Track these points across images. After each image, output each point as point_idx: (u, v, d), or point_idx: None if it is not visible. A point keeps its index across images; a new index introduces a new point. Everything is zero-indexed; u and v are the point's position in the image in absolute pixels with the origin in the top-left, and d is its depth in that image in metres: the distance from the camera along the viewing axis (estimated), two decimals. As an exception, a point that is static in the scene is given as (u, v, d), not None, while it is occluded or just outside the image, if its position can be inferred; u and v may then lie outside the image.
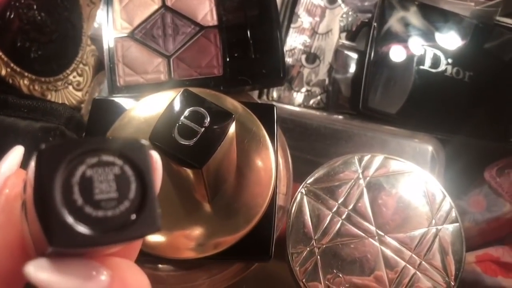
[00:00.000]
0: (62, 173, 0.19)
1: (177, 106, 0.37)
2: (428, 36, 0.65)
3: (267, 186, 0.47)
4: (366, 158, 0.53)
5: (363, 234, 0.49)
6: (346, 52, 0.69)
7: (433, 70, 0.64)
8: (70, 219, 0.19)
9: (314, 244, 0.49)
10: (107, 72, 0.54)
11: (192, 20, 0.56)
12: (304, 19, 0.71)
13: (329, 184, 0.52)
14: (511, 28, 0.67)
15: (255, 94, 0.66)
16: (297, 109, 0.67)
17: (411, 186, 0.51)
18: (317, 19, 0.71)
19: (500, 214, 0.60)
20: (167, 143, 0.36)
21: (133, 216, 0.20)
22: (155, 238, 0.45)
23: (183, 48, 0.55)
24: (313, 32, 0.71)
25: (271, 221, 0.47)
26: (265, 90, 0.68)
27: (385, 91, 0.63)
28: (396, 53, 0.64)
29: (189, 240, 0.45)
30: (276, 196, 0.48)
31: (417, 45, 0.65)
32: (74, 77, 0.66)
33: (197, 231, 0.45)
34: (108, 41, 0.55)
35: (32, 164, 0.20)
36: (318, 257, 0.49)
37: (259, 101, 0.63)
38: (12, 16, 0.56)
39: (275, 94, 0.68)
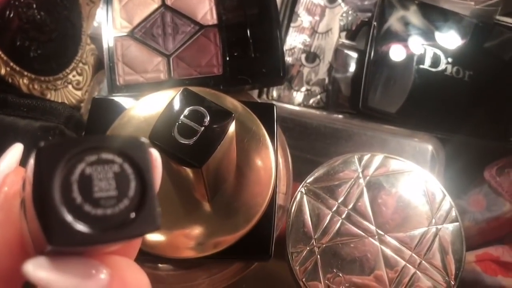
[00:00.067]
0: (61, 171, 0.19)
1: (176, 105, 0.37)
2: (428, 35, 0.65)
3: (267, 185, 0.47)
4: (366, 157, 0.53)
5: (363, 234, 0.49)
6: (346, 51, 0.68)
7: (433, 69, 0.64)
8: (69, 217, 0.19)
9: (314, 243, 0.49)
10: (106, 71, 0.54)
11: (191, 19, 0.56)
12: (304, 18, 0.71)
13: (329, 184, 0.52)
14: (511, 27, 0.67)
15: (255, 93, 0.66)
16: (297, 108, 0.67)
17: (411, 186, 0.51)
18: (317, 18, 0.71)
19: (500, 214, 0.60)
20: (167, 142, 0.36)
21: (133, 215, 0.20)
22: (155, 237, 0.45)
23: (182, 47, 0.55)
24: (313, 31, 0.71)
25: (271, 221, 0.47)
26: (265, 89, 0.68)
27: (385, 90, 0.63)
28: (396, 52, 0.64)
29: (188, 239, 0.45)
30: (276, 195, 0.48)
31: (417, 44, 0.65)
32: (73, 76, 0.66)
33: (196, 231, 0.45)
34: (107, 40, 0.55)
35: (32, 162, 0.20)
36: (318, 256, 0.49)
37: (259, 100, 0.63)
38: (11, 15, 0.56)
39: (275, 93, 0.68)
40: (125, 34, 0.55)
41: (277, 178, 0.48)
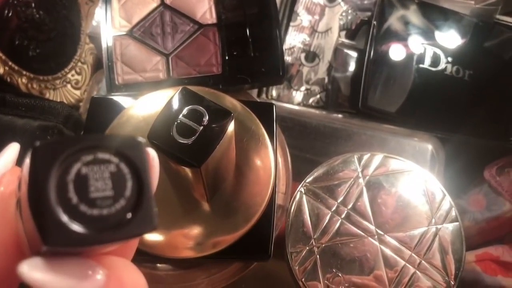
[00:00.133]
0: (57, 170, 0.19)
1: (175, 104, 0.37)
2: (428, 35, 0.65)
3: (266, 185, 0.47)
4: (366, 157, 0.53)
5: (363, 233, 0.49)
6: (346, 50, 0.68)
7: (433, 69, 0.64)
8: (64, 218, 0.19)
9: (314, 243, 0.49)
10: (105, 71, 0.54)
11: (191, 18, 0.56)
12: (303, 17, 0.71)
13: (328, 183, 0.51)
14: (511, 27, 0.67)
15: (254, 92, 0.66)
16: (297, 107, 0.67)
17: (411, 185, 0.51)
18: (317, 17, 0.71)
19: (500, 213, 0.60)
20: (166, 141, 0.36)
21: (129, 215, 0.20)
22: (153, 237, 0.45)
23: (182, 46, 0.55)
24: (313, 31, 0.71)
25: (270, 220, 0.47)
26: (264, 89, 0.68)
27: (385, 90, 0.63)
28: (396, 52, 0.64)
29: (187, 239, 0.45)
30: (275, 195, 0.48)
31: (417, 43, 0.64)
32: (72, 75, 0.66)
33: (195, 230, 0.45)
34: (106, 40, 0.55)
35: (27, 161, 0.19)
36: (318, 256, 0.48)
37: (258, 100, 0.63)
38: (10, 14, 0.55)
39: (274, 93, 0.68)
40: (124, 33, 0.55)
41: (277, 178, 0.48)
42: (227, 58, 0.54)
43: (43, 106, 0.56)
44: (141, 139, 0.21)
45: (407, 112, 0.63)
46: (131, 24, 0.55)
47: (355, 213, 0.50)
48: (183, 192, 0.46)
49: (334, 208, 0.50)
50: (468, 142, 0.63)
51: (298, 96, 0.68)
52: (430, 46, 0.65)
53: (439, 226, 0.49)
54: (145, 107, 0.48)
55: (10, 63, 0.56)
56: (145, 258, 0.45)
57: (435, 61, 0.64)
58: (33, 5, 0.58)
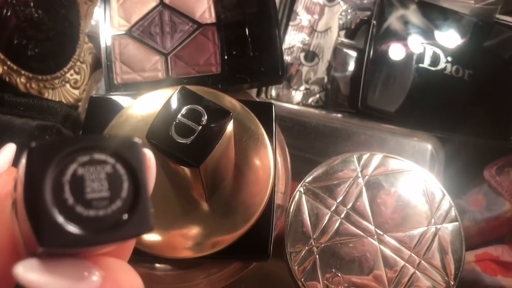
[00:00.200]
0: (52, 171, 0.19)
1: (174, 104, 0.37)
2: (428, 34, 0.65)
3: (265, 184, 0.47)
4: (365, 156, 0.52)
5: (362, 233, 0.49)
6: (345, 50, 0.68)
7: (433, 68, 0.64)
8: (60, 219, 0.19)
9: (313, 243, 0.49)
10: (104, 70, 0.54)
11: (190, 18, 0.56)
12: (303, 17, 0.71)
13: (327, 183, 0.51)
14: (510, 26, 0.67)
15: (253, 92, 0.66)
16: (296, 107, 0.67)
17: (410, 185, 0.51)
18: (316, 17, 0.71)
19: (500, 213, 0.60)
20: (164, 141, 0.35)
21: (125, 216, 0.20)
22: (152, 237, 0.44)
23: (181, 45, 0.55)
24: (312, 30, 0.71)
25: (270, 220, 0.47)
26: (264, 88, 0.68)
27: (384, 89, 0.63)
28: (396, 51, 0.64)
29: (186, 239, 0.45)
30: (275, 195, 0.48)
31: (416, 43, 0.64)
32: (71, 75, 0.66)
33: (194, 230, 0.45)
34: (105, 39, 0.54)
35: (23, 162, 0.19)
36: (317, 256, 0.48)
37: (257, 99, 0.63)
38: (9, 13, 0.55)
39: (273, 92, 0.68)
40: (123, 32, 0.55)
41: (276, 178, 0.48)
42: (226, 57, 0.54)
43: (41, 106, 0.56)
44: (138, 140, 0.21)
45: (406, 111, 0.63)
46: (130, 24, 0.55)
47: (354, 213, 0.50)
48: (182, 192, 0.46)
49: (333, 208, 0.50)
50: (467, 142, 0.63)
51: (297, 95, 0.68)
52: (429, 46, 0.64)
53: (438, 226, 0.49)
54: (144, 107, 0.48)
55: (8, 62, 0.56)
56: (143, 258, 0.45)
57: (435, 60, 0.64)
58: (32, 4, 0.58)
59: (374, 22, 0.65)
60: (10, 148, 0.27)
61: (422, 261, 0.48)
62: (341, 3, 0.71)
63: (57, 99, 0.63)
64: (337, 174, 0.52)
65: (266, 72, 0.55)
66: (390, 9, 0.65)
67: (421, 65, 0.64)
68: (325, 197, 0.51)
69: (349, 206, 0.50)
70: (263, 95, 0.68)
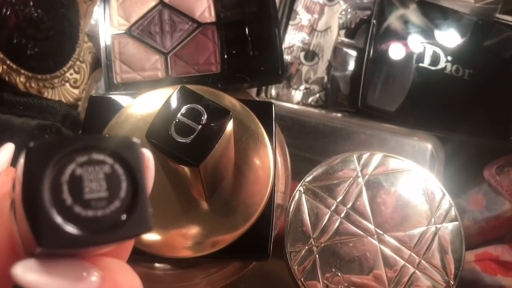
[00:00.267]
0: (51, 171, 0.19)
1: (174, 103, 0.37)
2: (428, 34, 0.65)
3: (265, 184, 0.47)
4: (365, 156, 0.52)
5: (362, 233, 0.49)
6: (345, 49, 0.68)
7: (433, 68, 0.64)
8: (59, 219, 0.18)
9: (313, 242, 0.49)
10: (104, 69, 0.54)
11: (189, 17, 0.56)
12: (302, 16, 0.71)
13: (327, 182, 0.51)
14: (510, 26, 0.67)
15: (253, 91, 0.66)
16: (296, 106, 0.67)
17: (410, 185, 0.51)
18: (316, 16, 0.71)
19: (500, 213, 0.60)
20: (164, 140, 0.35)
21: (124, 216, 0.20)
22: (152, 236, 0.44)
23: (180, 45, 0.55)
24: (312, 30, 0.71)
25: (269, 220, 0.47)
26: (264, 88, 0.68)
27: (384, 89, 0.63)
28: (395, 51, 0.64)
29: (186, 238, 0.45)
30: (274, 194, 0.48)
31: (416, 42, 0.64)
32: (71, 74, 0.66)
33: (194, 230, 0.45)
34: (105, 38, 0.54)
35: (22, 162, 0.19)
36: (317, 255, 0.48)
37: (257, 99, 0.63)
38: (8, 12, 0.55)
39: (273, 92, 0.68)
40: (123, 32, 0.55)
41: (276, 177, 0.48)
42: (226, 57, 0.54)
43: (41, 105, 0.56)
44: (136, 140, 0.21)
45: (406, 111, 0.63)
46: (129, 23, 0.55)
47: (354, 213, 0.50)
48: (182, 191, 0.46)
49: (333, 207, 0.50)
50: (467, 142, 0.63)
51: (297, 95, 0.68)
52: (429, 45, 0.64)
53: (438, 226, 0.49)
54: (143, 106, 0.48)
55: (8, 62, 0.56)
56: (143, 257, 0.45)
57: (435, 60, 0.64)
58: (31, 3, 0.58)
59: (374, 21, 0.65)
60: (9, 148, 0.27)
61: (422, 261, 0.48)
62: (341, 2, 0.71)
63: (57, 99, 0.63)
64: (337, 173, 0.52)
65: (266, 71, 0.55)
66: (390, 8, 0.65)
67: (421, 64, 0.64)
68: (325, 197, 0.51)
69: (349, 205, 0.50)
70: (263, 95, 0.68)
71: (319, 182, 0.51)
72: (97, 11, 0.63)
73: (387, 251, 0.48)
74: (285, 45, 0.70)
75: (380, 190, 0.51)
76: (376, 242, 0.49)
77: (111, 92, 0.53)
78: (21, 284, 0.19)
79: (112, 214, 0.20)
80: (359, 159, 0.52)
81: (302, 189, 0.51)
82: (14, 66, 0.57)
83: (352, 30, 0.70)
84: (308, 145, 0.62)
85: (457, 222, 0.50)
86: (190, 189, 0.45)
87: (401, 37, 0.64)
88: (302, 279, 0.48)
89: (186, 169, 0.37)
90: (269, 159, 0.47)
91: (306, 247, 0.49)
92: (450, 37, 0.65)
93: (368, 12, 0.70)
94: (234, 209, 0.46)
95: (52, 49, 0.62)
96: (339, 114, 0.65)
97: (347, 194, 0.51)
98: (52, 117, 0.56)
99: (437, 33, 0.65)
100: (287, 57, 0.69)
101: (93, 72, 0.69)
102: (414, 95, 0.63)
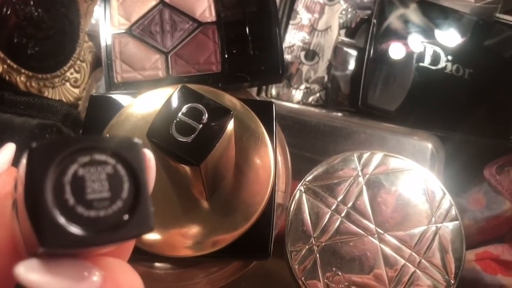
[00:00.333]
0: (53, 172, 0.19)
1: (174, 102, 0.37)
2: (428, 33, 0.65)
3: (265, 183, 0.47)
4: (366, 155, 0.52)
5: (363, 232, 0.49)
6: (345, 49, 0.68)
7: (433, 67, 0.64)
8: (61, 219, 0.19)
9: (313, 242, 0.49)
10: (104, 69, 0.54)
11: (190, 16, 0.56)
12: (303, 15, 0.71)
13: (328, 182, 0.51)
14: (511, 25, 0.67)
15: (253, 91, 0.66)
16: (296, 106, 0.67)
17: (411, 184, 0.51)
18: (316, 15, 0.71)
19: (500, 212, 0.60)
20: (165, 139, 0.35)
21: (126, 216, 0.20)
22: (152, 236, 0.44)
23: (181, 44, 0.55)
24: (312, 29, 0.71)
25: (270, 219, 0.47)
26: (264, 87, 0.68)
27: (385, 88, 0.63)
28: (396, 50, 0.64)
29: (186, 238, 0.45)
30: (275, 193, 0.48)
31: (416, 42, 0.64)
32: (71, 73, 0.66)
33: (194, 229, 0.45)
34: (105, 38, 0.54)
35: (24, 162, 0.19)
36: (317, 255, 0.48)
37: (257, 98, 0.63)
38: (8, 12, 0.55)
39: (274, 91, 0.68)
40: (123, 31, 0.55)
41: (276, 176, 0.48)
42: (226, 56, 0.54)
43: (41, 104, 0.56)
44: (138, 140, 0.21)
45: (407, 110, 0.63)
46: (130, 22, 0.55)
47: (355, 212, 0.50)
48: (182, 190, 0.46)
49: (334, 206, 0.50)
50: (468, 141, 0.63)
51: (297, 94, 0.68)
52: (430, 45, 0.64)
53: (439, 225, 0.49)
54: (144, 106, 0.48)
55: (8, 61, 0.56)
56: (144, 257, 0.45)
57: (435, 59, 0.64)
58: (31, 3, 0.58)
59: (375, 21, 0.65)
60: (10, 148, 0.27)
61: (423, 260, 0.48)
62: (341, 2, 0.71)
63: (57, 98, 0.63)
64: (337, 173, 0.52)
65: (266, 70, 0.55)
66: (390, 8, 0.65)
67: (421, 64, 0.64)
68: (326, 196, 0.51)
69: (349, 205, 0.50)
70: (263, 94, 0.68)
71: (319, 181, 0.51)
72: (98, 10, 0.63)
73: (388, 250, 0.48)
74: (285, 44, 0.70)
75: (381, 190, 0.51)
76: (376, 242, 0.49)
77: (111, 92, 0.53)
78: (23, 283, 0.19)
79: (114, 214, 0.20)
80: (359, 158, 0.52)
81: (302, 189, 0.51)
82: (15, 66, 0.57)
83: (352, 30, 0.70)
84: (308, 145, 0.62)
85: (457, 222, 0.50)
86: (191, 188, 0.45)
87: (402, 37, 0.64)
88: (302, 278, 0.48)
89: (187, 169, 0.37)
90: (270, 158, 0.47)
91: (307, 247, 0.49)
92: (451, 36, 0.65)
93: (369, 12, 0.70)
94: (235, 209, 0.46)
95: (52, 48, 0.62)
96: (339, 114, 0.65)
97: (347, 193, 0.51)
98: (53, 117, 0.56)
99: (438, 33, 0.65)
100: (287, 57, 0.69)
101: (93, 71, 0.69)
102: (414, 95, 0.63)
